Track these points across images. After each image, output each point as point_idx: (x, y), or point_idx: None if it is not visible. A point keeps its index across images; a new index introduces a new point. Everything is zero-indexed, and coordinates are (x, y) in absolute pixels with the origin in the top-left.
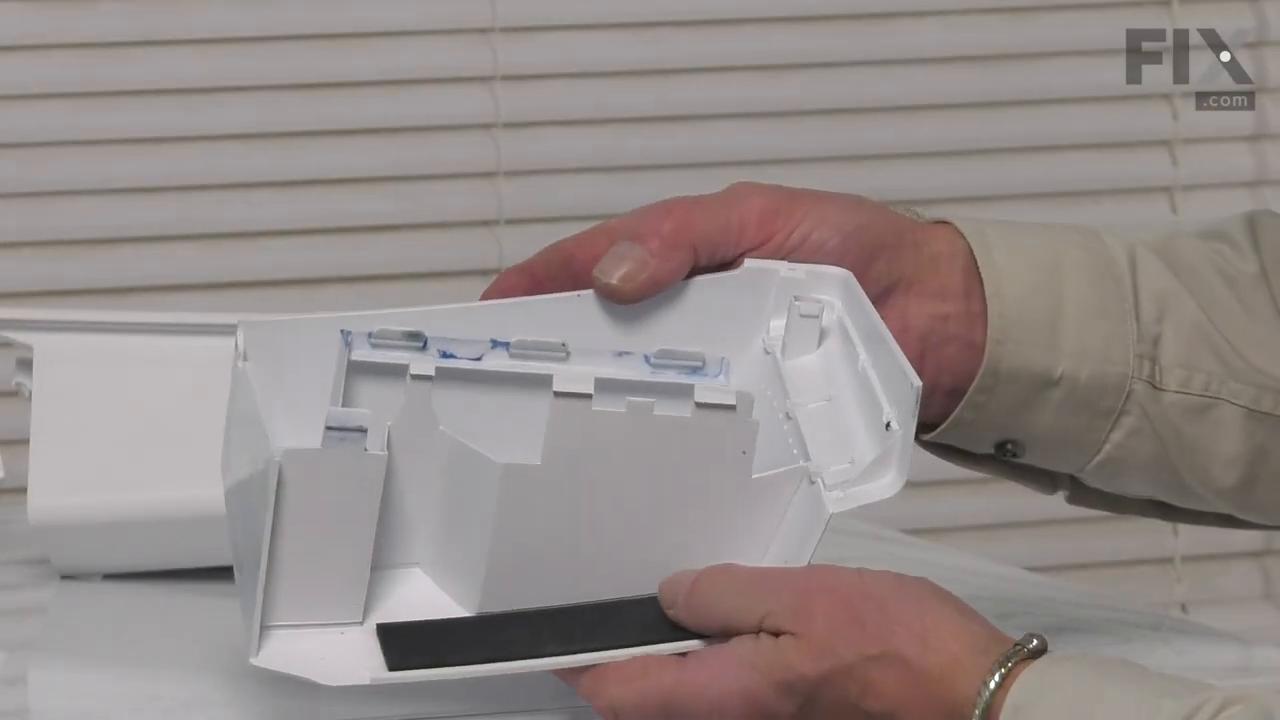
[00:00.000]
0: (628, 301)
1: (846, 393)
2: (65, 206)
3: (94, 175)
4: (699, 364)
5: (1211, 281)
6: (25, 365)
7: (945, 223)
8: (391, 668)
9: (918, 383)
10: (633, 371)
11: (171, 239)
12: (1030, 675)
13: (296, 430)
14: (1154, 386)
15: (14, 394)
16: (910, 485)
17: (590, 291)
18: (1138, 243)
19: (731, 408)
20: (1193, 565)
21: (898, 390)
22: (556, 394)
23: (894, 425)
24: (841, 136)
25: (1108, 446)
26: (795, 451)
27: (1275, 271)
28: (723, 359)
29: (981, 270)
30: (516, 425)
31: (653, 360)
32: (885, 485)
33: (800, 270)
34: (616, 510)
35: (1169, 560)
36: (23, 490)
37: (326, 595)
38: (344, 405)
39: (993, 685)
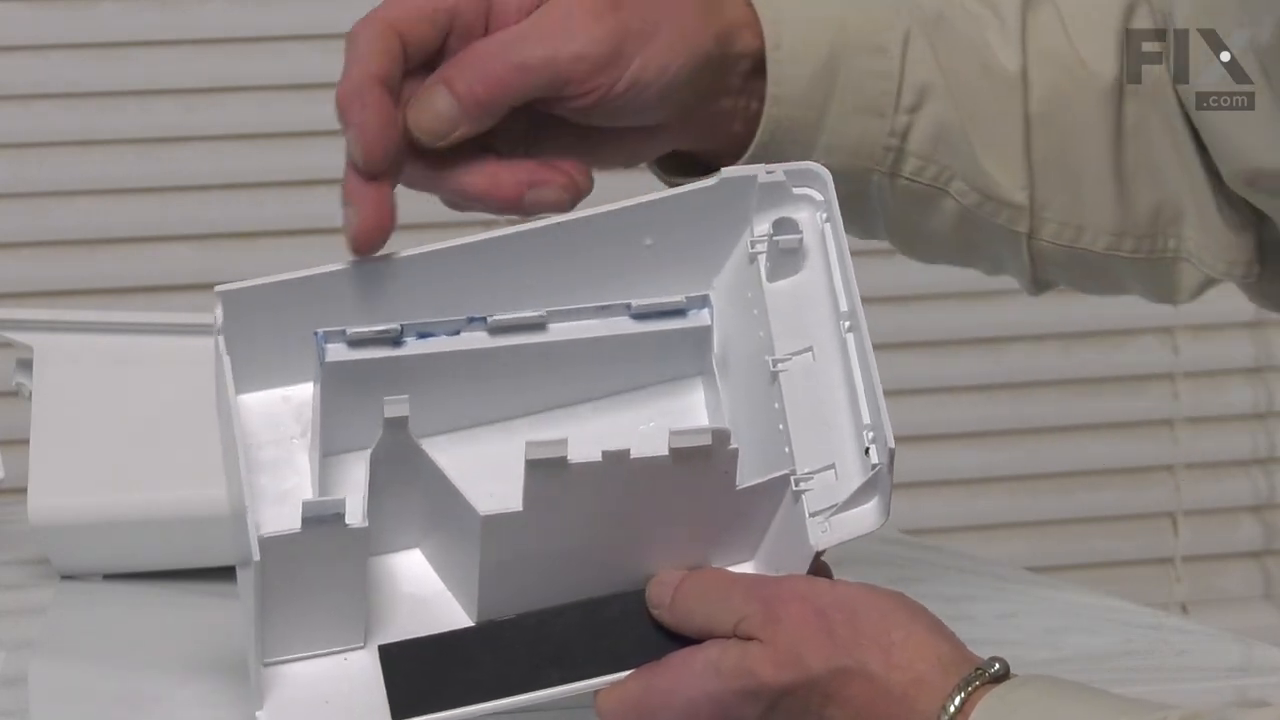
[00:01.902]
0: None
1: (827, 353)
2: (65, 206)
3: (94, 175)
4: (681, 308)
5: (971, 74)
6: (25, 365)
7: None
8: (396, 717)
9: (891, 444)
10: (617, 328)
11: (171, 239)
12: (992, 699)
13: (282, 377)
14: (892, 174)
15: (14, 394)
16: (910, 485)
17: (569, 219)
18: (914, 22)
19: (707, 448)
20: (1193, 565)
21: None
22: (530, 461)
23: (875, 455)
24: None
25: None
26: (781, 428)
27: (1036, 74)
28: (704, 296)
29: (769, 74)
30: (496, 407)
31: (634, 311)
32: (869, 518)
33: (779, 171)
34: (601, 533)
35: (1169, 560)
36: (23, 490)
37: (325, 629)
38: (323, 417)
39: (952, 709)
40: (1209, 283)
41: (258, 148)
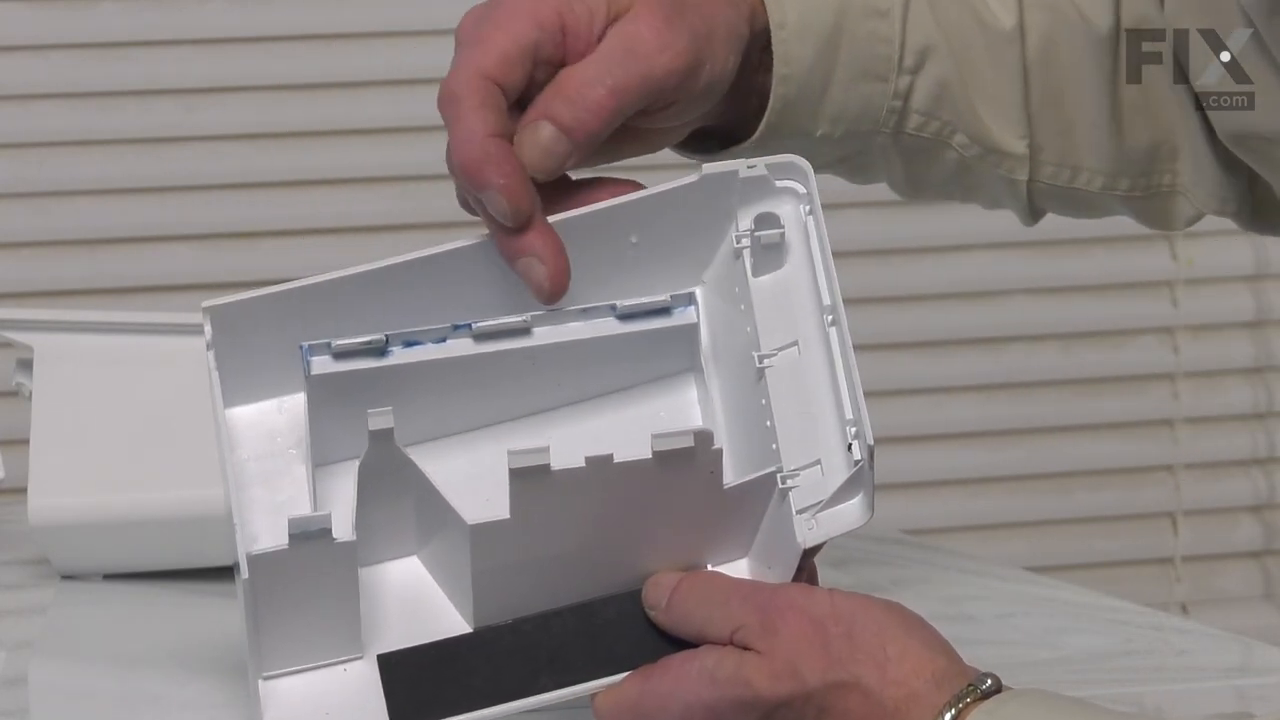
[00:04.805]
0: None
1: (812, 347)
2: (65, 206)
3: (94, 175)
4: (666, 306)
5: (970, 33)
6: (25, 365)
7: None
8: None
9: (870, 442)
10: (603, 329)
11: (171, 239)
12: (980, 715)
13: (275, 389)
14: (895, 133)
15: (14, 394)
16: (910, 485)
17: (556, 220)
18: None
19: (690, 450)
20: (1193, 565)
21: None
22: (513, 470)
23: (857, 452)
24: None
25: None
26: (769, 424)
27: (1032, 22)
28: (690, 294)
29: (775, 53)
30: (486, 413)
31: (619, 312)
32: (854, 514)
33: (760, 165)
34: (592, 536)
35: (1169, 560)
36: (23, 490)
37: (322, 641)
38: (312, 429)
39: None
40: (1201, 215)
41: (258, 148)
